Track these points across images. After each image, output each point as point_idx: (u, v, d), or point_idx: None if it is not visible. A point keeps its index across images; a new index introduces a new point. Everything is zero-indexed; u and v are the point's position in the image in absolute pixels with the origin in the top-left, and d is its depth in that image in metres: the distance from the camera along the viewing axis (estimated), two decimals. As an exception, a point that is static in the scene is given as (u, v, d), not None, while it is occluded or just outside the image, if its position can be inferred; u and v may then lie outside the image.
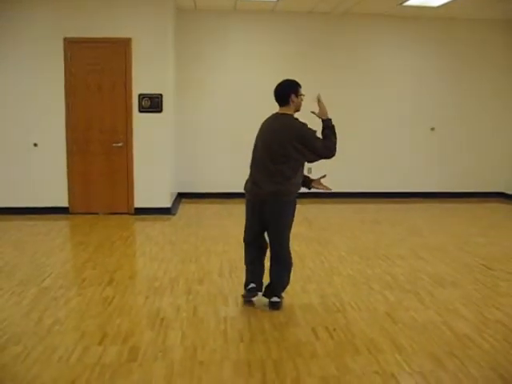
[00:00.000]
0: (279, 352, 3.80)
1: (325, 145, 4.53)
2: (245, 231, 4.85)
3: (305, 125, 4.53)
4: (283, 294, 4.78)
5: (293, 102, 4.60)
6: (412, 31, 10.97)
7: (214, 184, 10.70)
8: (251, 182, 4.67)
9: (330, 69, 10.87)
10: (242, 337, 4.06)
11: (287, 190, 4.55)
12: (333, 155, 4.58)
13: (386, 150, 11.21)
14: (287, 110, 4.62)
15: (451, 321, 4.46)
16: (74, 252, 6.68)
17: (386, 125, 11.15)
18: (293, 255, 6.26)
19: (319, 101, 4.73)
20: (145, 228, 8.10)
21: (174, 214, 9.08)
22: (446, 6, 9.76)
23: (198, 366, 3.55)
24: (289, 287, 4.91)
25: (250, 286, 4.76)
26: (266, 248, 4.85)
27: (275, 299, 4.67)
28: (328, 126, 4.65)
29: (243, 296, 4.82)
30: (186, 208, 9.78)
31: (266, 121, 4.76)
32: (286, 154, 4.47)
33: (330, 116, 4.69)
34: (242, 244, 4.92)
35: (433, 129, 11.26)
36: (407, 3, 9.60)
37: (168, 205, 9.11)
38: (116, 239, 7.25)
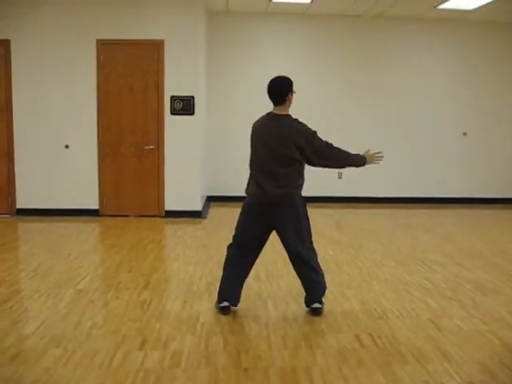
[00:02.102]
0: (325, 359, 3.69)
1: (329, 145, 4.44)
2: (236, 234, 4.65)
3: (306, 125, 4.43)
4: (323, 300, 4.68)
5: (289, 100, 4.47)
6: (445, 34, 10.84)
7: (243, 187, 10.60)
8: (256, 186, 4.49)
9: (361, 71, 10.79)
10: (286, 343, 3.97)
11: (293, 193, 4.47)
12: (333, 164, 4.64)
13: (417, 155, 11.08)
14: (283, 110, 4.47)
15: (498, 329, 4.33)
16: (107, 254, 6.64)
17: (417, 129, 11.02)
18: (328, 260, 6.26)
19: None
20: (176, 231, 8.04)
21: (204, 218, 9.03)
22: (480, 10, 9.62)
23: (243, 373, 3.46)
24: (328, 293, 4.82)
25: (223, 304, 4.57)
26: (254, 261, 4.72)
27: (317, 305, 4.57)
28: (360, 158, 4.66)
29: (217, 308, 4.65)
30: (216, 211, 9.72)
31: (263, 122, 4.54)
32: (293, 157, 4.38)
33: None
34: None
35: (465, 134, 11.10)
36: (442, 6, 9.47)
37: (199, 208, 9.05)
38: (148, 242, 7.21)
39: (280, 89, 4.47)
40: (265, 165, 4.42)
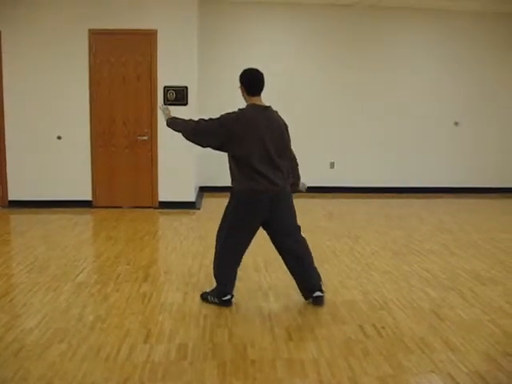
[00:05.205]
0: (331, 350, 3.70)
1: None
2: (233, 236, 4.63)
3: None
4: (323, 288, 4.67)
5: None
6: (439, 25, 10.84)
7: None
8: (265, 180, 4.30)
9: (354, 61, 10.77)
10: (291, 334, 3.97)
11: (288, 183, 4.52)
12: None
13: (409, 144, 11.09)
14: (261, 101, 4.47)
15: (498, 319, 4.36)
16: (104, 247, 6.58)
17: (408, 119, 11.03)
18: (325, 250, 6.30)
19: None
20: (172, 222, 8.02)
21: (198, 209, 9.01)
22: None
23: (250, 365, 3.46)
24: (328, 283, 4.87)
25: (226, 298, 4.54)
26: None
27: (318, 293, 4.55)
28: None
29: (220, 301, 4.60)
30: (209, 202, 9.70)
31: (258, 115, 4.37)
32: (288, 147, 4.51)
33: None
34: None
35: (456, 123, 11.13)
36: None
37: (192, 199, 9.03)
38: (144, 234, 7.19)
39: (264, 79, 4.49)
40: (268, 158, 4.32)
